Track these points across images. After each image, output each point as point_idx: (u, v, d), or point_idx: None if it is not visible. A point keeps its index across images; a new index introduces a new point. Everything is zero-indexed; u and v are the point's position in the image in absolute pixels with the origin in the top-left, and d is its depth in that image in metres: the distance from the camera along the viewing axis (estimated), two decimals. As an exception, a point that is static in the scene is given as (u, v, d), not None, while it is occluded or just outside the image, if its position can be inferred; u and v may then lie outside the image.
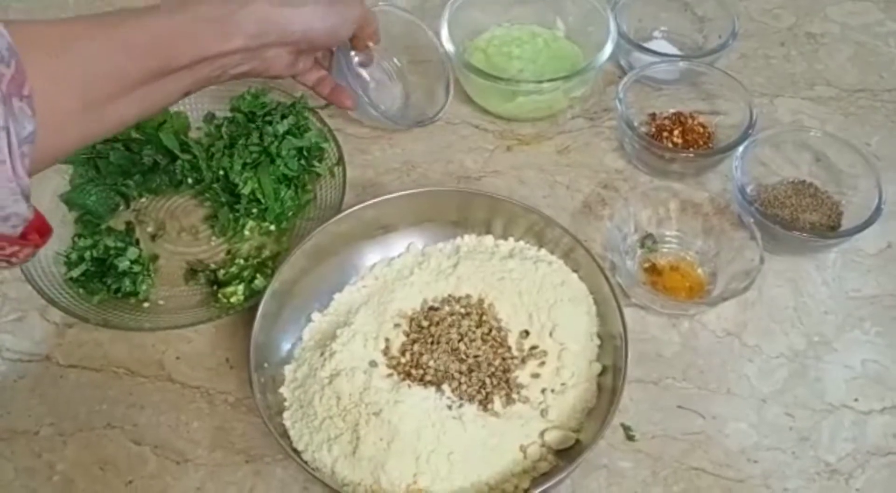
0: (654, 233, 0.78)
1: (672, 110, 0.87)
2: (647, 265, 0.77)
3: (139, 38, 0.54)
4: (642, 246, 0.78)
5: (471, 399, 0.65)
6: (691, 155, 0.83)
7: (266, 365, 0.66)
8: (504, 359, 0.67)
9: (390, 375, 0.66)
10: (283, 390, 0.67)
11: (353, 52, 0.77)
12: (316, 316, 0.72)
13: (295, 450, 0.62)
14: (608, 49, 0.84)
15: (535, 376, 0.67)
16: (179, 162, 0.81)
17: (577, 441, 0.64)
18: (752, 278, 0.71)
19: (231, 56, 0.60)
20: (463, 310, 0.70)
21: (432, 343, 0.67)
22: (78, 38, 0.51)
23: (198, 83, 0.60)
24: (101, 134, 0.56)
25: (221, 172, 0.79)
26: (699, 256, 0.78)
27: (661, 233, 0.79)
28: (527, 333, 0.69)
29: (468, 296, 0.71)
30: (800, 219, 0.79)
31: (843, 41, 0.98)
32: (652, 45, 0.93)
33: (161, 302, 0.76)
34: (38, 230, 0.50)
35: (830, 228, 0.79)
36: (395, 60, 0.92)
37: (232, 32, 0.59)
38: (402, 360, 0.67)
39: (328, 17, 0.66)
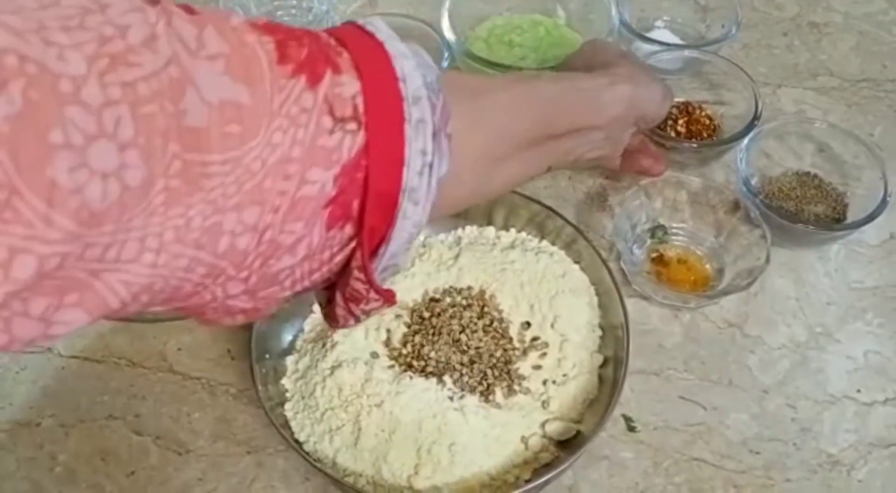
0: (666, 224, 0.78)
1: (679, 100, 0.86)
2: (654, 255, 0.77)
3: (534, 97, 0.52)
4: (653, 236, 0.78)
5: (472, 391, 0.65)
6: (694, 146, 0.82)
7: (267, 356, 0.66)
8: (505, 350, 0.67)
9: (392, 366, 0.66)
10: (284, 381, 0.67)
11: None
12: (317, 307, 0.71)
13: (296, 441, 0.62)
14: (612, 35, 0.83)
15: (537, 367, 0.67)
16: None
17: (579, 432, 0.64)
18: (755, 277, 0.71)
19: (596, 132, 0.59)
20: (464, 301, 0.70)
21: (433, 335, 0.67)
22: (488, 87, 0.50)
23: (557, 161, 0.58)
24: (482, 197, 0.52)
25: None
26: (709, 251, 0.77)
27: (673, 225, 0.78)
28: (528, 324, 0.69)
29: (469, 287, 0.71)
30: (805, 211, 0.78)
31: (847, 31, 0.98)
32: (654, 34, 0.92)
33: (162, 293, 0.76)
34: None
35: (836, 220, 0.78)
36: None
37: (602, 108, 0.58)
38: (404, 351, 0.67)
39: (666, 102, 0.66)
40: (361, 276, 0.41)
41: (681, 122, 0.84)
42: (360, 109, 0.37)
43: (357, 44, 0.39)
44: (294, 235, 0.36)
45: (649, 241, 0.78)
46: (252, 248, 0.35)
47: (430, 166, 0.39)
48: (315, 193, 0.36)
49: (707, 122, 0.85)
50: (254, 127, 0.33)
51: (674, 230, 0.78)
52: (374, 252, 0.40)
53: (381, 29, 0.40)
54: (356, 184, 0.37)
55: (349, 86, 0.37)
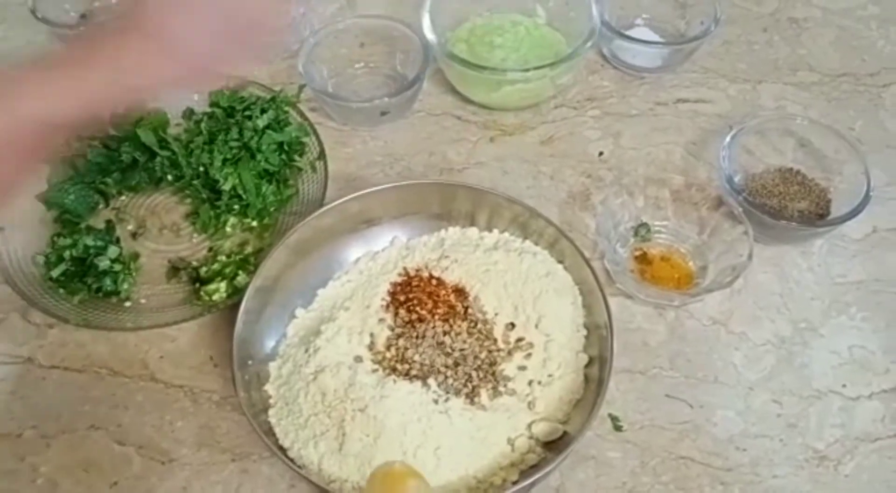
0: (649, 223, 0.78)
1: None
2: (637, 253, 0.77)
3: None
4: (636, 234, 0.78)
5: (457, 393, 0.64)
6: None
7: (250, 362, 0.65)
8: (490, 352, 0.67)
9: (375, 370, 0.66)
10: (267, 387, 0.66)
11: None
12: (300, 312, 0.71)
13: (281, 448, 0.62)
14: (594, 34, 0.83)
15: (522, 368, 0.67)
16: (159, 159, 0.80)
17: (565, 433, 0.63)
18: (737, 274, 0.71)
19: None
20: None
21: (417, 338, 0.67)
22: None
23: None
24: None
25: (201, 169, 0.78)
26: (693, 249, 0.77)
27: (656, 223, 0.78)
28: (512, 325, 0.69)
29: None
30: (788, 208, 0.78)
31: (826, 26, 0.98)
32: (634, 32, 0.92)
33: (143, 301, 0.75)
34: None
35: (819, 216, 0.78)
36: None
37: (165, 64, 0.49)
38: (388, 355, 0.66)
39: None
40: None
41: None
42: None
43: None
44: None
45: (632, 239, 0.78)
46: None
47: None
48: None
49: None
50: None
51: (657, 228, 0.78)
52: None
53: None
54: None
55: None
